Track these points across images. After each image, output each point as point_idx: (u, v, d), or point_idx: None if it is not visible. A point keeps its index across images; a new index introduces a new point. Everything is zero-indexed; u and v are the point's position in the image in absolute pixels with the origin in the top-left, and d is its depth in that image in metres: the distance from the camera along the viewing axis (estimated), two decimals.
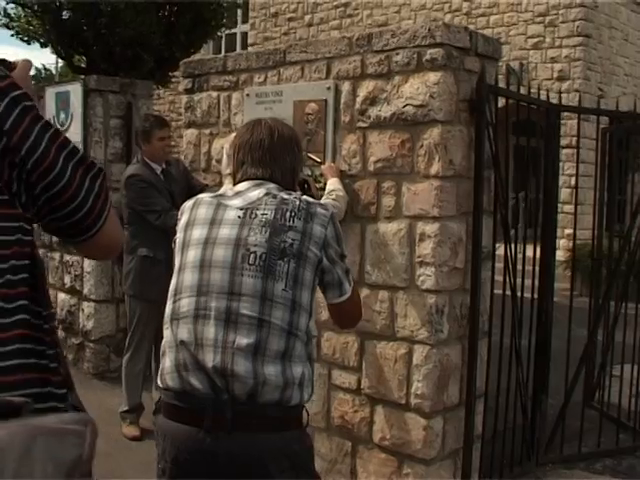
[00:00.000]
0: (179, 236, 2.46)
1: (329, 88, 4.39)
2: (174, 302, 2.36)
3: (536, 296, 4.88)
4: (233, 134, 4.32)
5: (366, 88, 4.23)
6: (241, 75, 5.01)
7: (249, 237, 2.29)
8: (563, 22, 16.13)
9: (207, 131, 5.32)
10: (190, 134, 5.46)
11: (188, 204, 2.51)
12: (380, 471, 4.25)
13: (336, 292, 2.47)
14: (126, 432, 5.36)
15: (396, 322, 4.14)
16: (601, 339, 5.60)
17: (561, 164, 14.08)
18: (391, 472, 4.19)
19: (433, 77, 3.91)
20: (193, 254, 2.35)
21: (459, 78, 3.99)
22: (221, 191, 2.59)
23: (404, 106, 4.03)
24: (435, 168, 3.93)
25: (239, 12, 22.81)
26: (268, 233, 2.29)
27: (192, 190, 5.04)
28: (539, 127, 4.95)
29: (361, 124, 4.27)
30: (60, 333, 7.29)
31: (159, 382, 2.36)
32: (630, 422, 5.50)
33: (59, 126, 7.01)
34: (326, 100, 4.41)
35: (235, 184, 2.54)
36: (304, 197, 2.46)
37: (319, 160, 4.45)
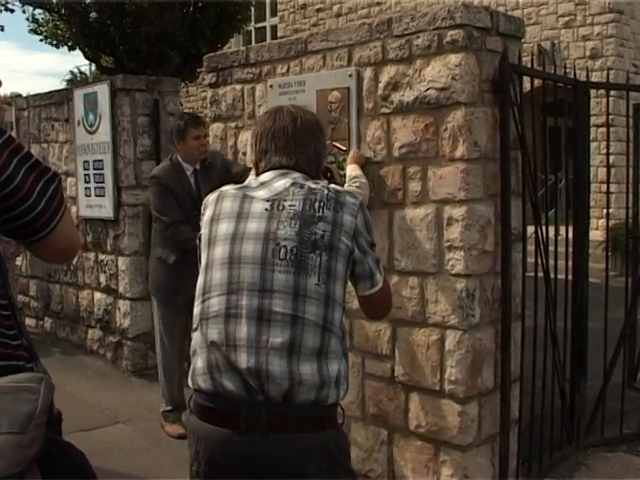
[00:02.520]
0: (204, 232, 2.38)
1: (351, 75, 4.35)
2: (203, 302, 2.28)
3: (571, 277, 4.81)
4: None
5: (388, 73, 4.19)
6: (264, 67, 5.00)
7: (278, 230, 2.21)
8: None
9: (233, 124, 5.32)
10: (216, 128, 5.46)
11: (212, 197, 2.42)
12: (417, 458, 4.22)
13: (368, 284, 2.40)
14: (170, 431, 5.34)
15: (427, 308, 4.10)
16: None
17: (597, 143, 13.95)
18: (428, 459, 4.16)
19: (454, 59, 3.86)
20: (221, 250, 2.27)
21: (481, 59, 3.93)
22: (245, 182, 2.50)
23: (426, 90, 3.99)
24: (460, 151, 3.88)
25: (267, 5, 22.86)
26: (298, 225, 2.22)
27: (230, 172, 5.04)
28: (567, 106, 4.86)
29: (384, 110, 4.23)
30: (98, 332, 7.37)
31: (190, 383, 2.30)
32: None
33: (88, 127, 7.07)
34: (348, 88, 4.37)
35: (258, 174, 2.47)
36: (332, 186, 2.38)
37: (344, 148, 4.42)
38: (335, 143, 4.47)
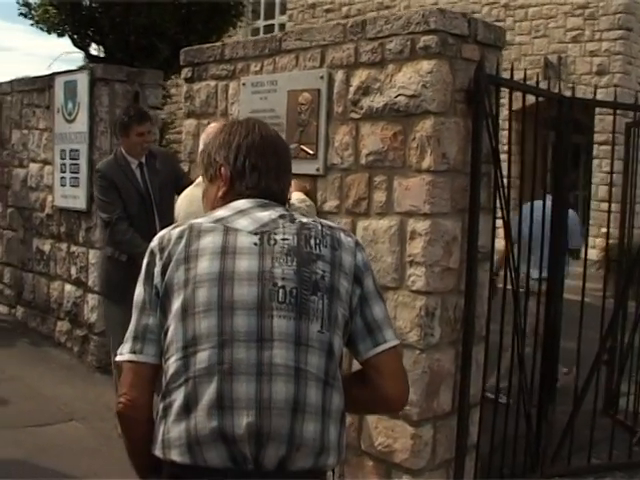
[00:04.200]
0: (174, 273, 1.91)
1: (322, 77, 4.19)
2: (185, 357, 1.85)
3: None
4: (211, 127, 4.06)
5: (359, 77, 4.02)
6: (238, 64, 4.84)
7: (274, 269, 1.87)
8: (603, 15, 15.67)
9: (205, 121, 5.14)
10: (189, 124, 5.31)
11: (175, 233, 1.95)
12: (368, 479, 4.05)
13: (377, 338, 1.96)
14: None
15: None
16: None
17: (598, 161, 13.74)
18: None
19: (426, 66, 3.69)
20: (206, 294, 1.86)
21: (455, 67, 3.76)
22: (216, 214, 1.99)
23: (396, 96, 3.82)
24: (427, 162, 3.71)
25: (277, 2, 22.74)
26: (295, 263, 1.88)
27: (178, 181, 4.94)
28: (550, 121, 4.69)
29: (354, 115, 4.06)
30: (67, 324, 7.21)
31: (158, 453, 1.88)
32: None
33: (67, 115, 6.90)
34: (319, 90, 4.21)
35: (228, 193, 2.03)
36: (324, 221, 2.06)
37: (311, 152, 4.26)
38: (303, 147, 4.30)
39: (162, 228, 4.41)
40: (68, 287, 7.18)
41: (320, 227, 1.97)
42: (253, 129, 2.05)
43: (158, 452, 1.89)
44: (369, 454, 4.04)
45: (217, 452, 1.80)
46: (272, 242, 1.90)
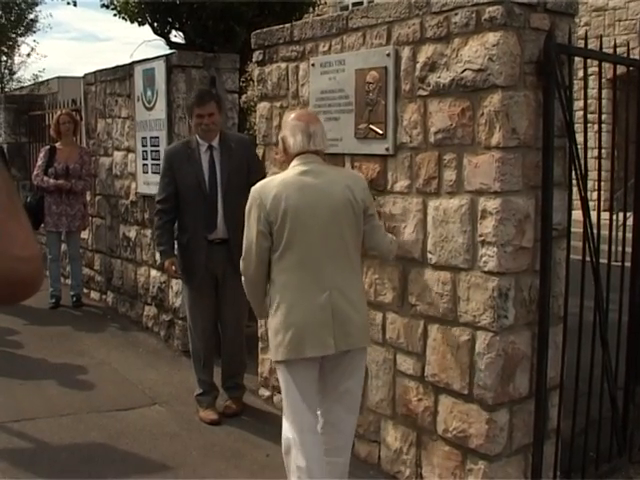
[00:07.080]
0: None
1: (389, 54, 4.09)
2: None
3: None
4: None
5: (425, 53, 3.91)
6: (307, 44, 4.79)
7: None
8: None
9: (278, 104, 5.13)
10: (262, 107, 5.29)
11: None
12: (444, 464, 3.98)
13: None
14: (203, 416, 5.19)
15: (459, 306, 3.83)
16: None
17: None
18: (455, 466, 3.91)
19: (492, 38, 3.55)
20: None
21: (524, 38, 3.60)
22: None
23: (463, 71, 3.70)
24: (496, 138, 3.58)
25: None
26: None
27: (250, 169, 4.98)
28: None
29: (421, 92, 3.96)
30: (153, 309, 7.33)
31: None
32: None
33: (146, 103, 6.99)
34: (386, 68, 4.12)
35: None
36: None
37: (380, 132, 4.18)
38: (372, 126, 4.23)
39: (225, 218, 4.57)
40: (153, 272, 7.30)
41: None
42: None
43: None
44: (445, 439, 3.96)
45: None
46: None
